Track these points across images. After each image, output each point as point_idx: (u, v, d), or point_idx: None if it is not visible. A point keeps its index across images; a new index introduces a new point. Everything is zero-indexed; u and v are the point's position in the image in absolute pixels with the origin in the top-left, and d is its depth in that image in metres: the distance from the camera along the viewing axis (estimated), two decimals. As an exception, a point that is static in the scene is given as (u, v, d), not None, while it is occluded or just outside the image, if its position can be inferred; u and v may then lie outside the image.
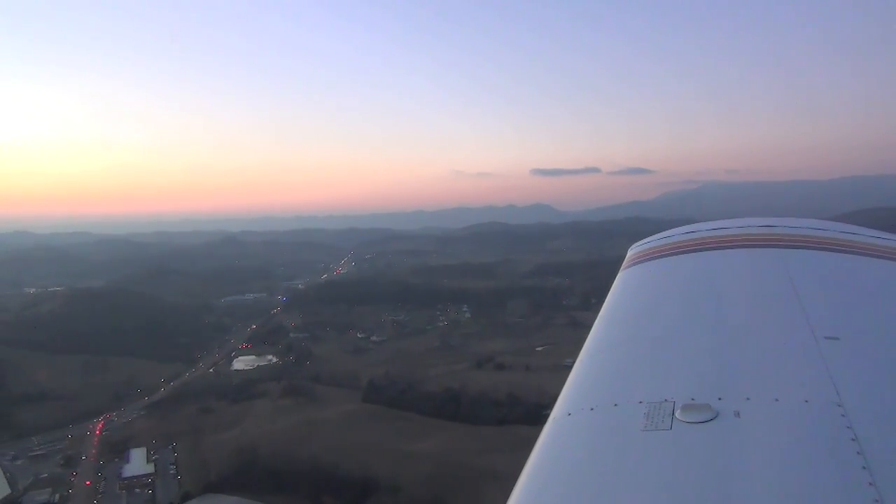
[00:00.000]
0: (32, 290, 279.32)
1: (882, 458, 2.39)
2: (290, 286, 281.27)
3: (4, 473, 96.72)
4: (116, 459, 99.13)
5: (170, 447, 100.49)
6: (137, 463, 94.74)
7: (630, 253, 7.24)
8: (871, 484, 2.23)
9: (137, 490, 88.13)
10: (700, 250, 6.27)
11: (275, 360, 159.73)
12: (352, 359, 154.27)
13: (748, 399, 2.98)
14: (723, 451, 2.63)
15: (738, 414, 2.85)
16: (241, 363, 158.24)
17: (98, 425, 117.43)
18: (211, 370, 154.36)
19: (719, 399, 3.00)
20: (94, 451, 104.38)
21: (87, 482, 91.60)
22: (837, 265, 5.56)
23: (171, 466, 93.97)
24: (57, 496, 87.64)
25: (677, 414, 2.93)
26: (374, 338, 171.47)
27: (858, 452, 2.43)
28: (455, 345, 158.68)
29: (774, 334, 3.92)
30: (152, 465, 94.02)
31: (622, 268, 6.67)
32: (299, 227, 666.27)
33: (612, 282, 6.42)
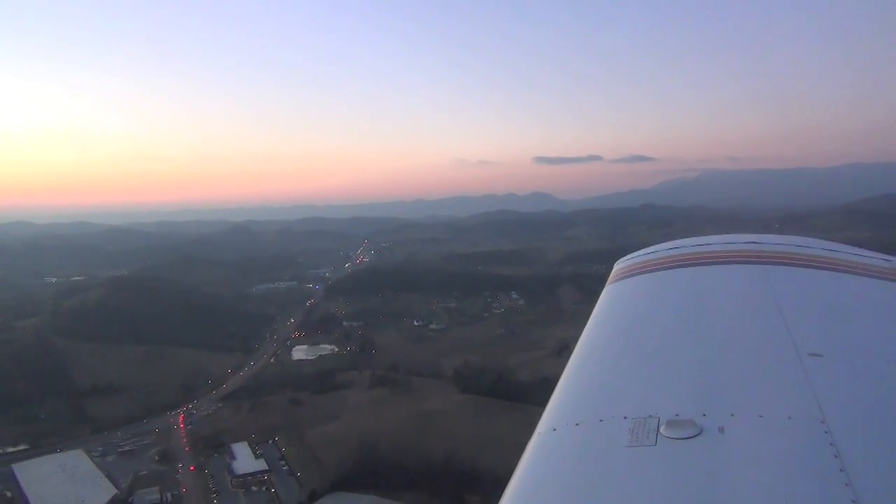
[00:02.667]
0: (54, 280, 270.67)
1: (864, 475, 2.39)
2: (317, 275, 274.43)
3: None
4: (216, 455, 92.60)
5: (270, 441, 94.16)
6: (245, 459, 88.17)
7: (616, 268, 7.01)
8: (854, 501, 2.23)
9: (254, 488, 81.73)
10: (685, 266, 6.13)
11: (334, 349, 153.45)
12: (416, 347, 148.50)
13: (732, 415, 2.97)
14: (707, 467, 2.62)
15: (722, 430, 2.85)
16: (301, 352, 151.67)
17: (178, 418, 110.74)
18: (272, 360, 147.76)
19: (704, 415, 2.99)
20: (185, 446, 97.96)
21: (196, 480, 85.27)
22: (821, 282, 5.49)
23: (281, 462, 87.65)
24: (169, 495, 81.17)
25: (662, 430, 2.91)
26: (432, 325, 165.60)
27: (841, 469, 2.42)
28: (519, 332, 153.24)
29: (758, 351, 3.88)
30: (262, 460, 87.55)
31: (608, 282, 6.50)
32: (302, 217, 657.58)
33: None
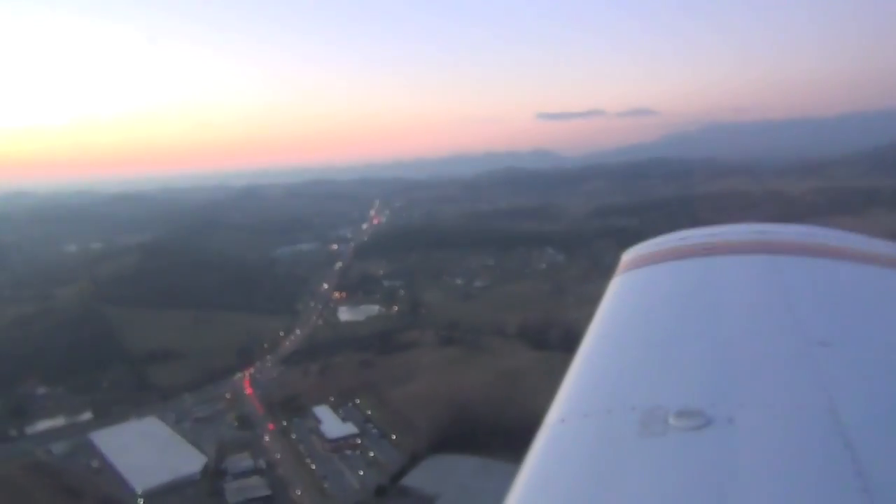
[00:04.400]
0: (74, 248, 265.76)
1: (874, 465, 2.37)
2: (338, 236, 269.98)
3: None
4: (296, 419, 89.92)
5: (350, 404, 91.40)
6: (333, 422, 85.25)
7: (624, 258, 6.91)
8: (863, 490, 2.22)
9: (348, 452, 79.03)
10: (694, 256, 6.02)
11: (380, 309, 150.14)
12: (465, 305, 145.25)
13: (741, 405, 2.94)
14: (716, 458, 2.61)
15: (731, 420, 2.81)
16: (347, 314, 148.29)
17: (244, 382, 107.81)
18: (319, 321, 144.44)
19: (713, 405, 2.95)
20: (260, 411, 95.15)
21: (285, 445, 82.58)
22: (831, 272, 5.39)
23: (369, 425, 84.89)
24: (263, 461, 78.41)
25: (671, 420, 2.88)
26: (476, 283, 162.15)
27: (851, 459, 2.41)
28: (567, 288, 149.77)
29: (768, 341, 3.85)
30: (350, 424, 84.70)
31: (616, 273, 6.39)
32: (304, 180, 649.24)
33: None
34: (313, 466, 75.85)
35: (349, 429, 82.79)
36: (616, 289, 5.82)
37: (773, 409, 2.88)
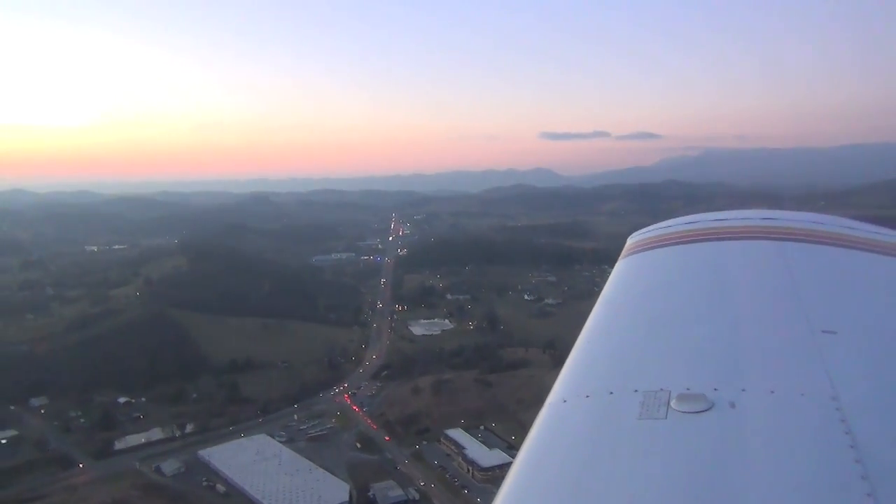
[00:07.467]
0: (95, 248, 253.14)
1: (875, 452, 2.37)
2: (368, 246, 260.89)
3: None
4: (425, 442, 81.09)
5: (483, 427, 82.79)
6: (477, 448, 76.41)
7: (629, 241, 6.71)
8: (863, 477, 2.21)
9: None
10: (700, 241, 5.86)
11: (448, 322, 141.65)
12: (544, 323, 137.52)
13: (744, 390, 2.92)
14: (717, 442, 2.59)
15: (733, 405, 2.80)
16: (419, 327, 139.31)
17: (344, 398, 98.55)
18: (392, 334, 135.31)
19: (715, 390, 2.93)
20: (375, 430, 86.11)
21: (426, 472, 73.62)
22: (837, 260, 5.31)
23: (516, 452, 76.21)
24: (414, 491, 69.29)
25: (672, 403, 2.86)
26: (548, 300, 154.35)
27: (852, 446, 2.40)
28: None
29: (772, 327, 3.84)
30: (500, 451, 75.96)
31: (621, 256, 6.22)
32: (314, 189, 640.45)
33: None
34: (479, 500, 66.99)
35: (501, 456, 73.87)
36: (621, 271, 5.63)
37: (775, 396, 2.81)
